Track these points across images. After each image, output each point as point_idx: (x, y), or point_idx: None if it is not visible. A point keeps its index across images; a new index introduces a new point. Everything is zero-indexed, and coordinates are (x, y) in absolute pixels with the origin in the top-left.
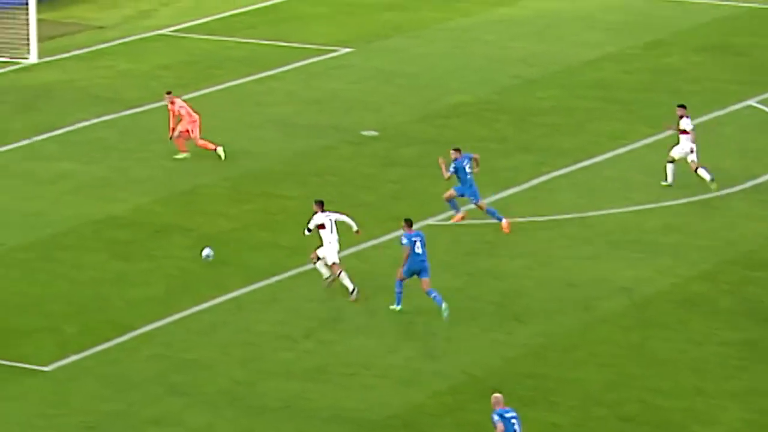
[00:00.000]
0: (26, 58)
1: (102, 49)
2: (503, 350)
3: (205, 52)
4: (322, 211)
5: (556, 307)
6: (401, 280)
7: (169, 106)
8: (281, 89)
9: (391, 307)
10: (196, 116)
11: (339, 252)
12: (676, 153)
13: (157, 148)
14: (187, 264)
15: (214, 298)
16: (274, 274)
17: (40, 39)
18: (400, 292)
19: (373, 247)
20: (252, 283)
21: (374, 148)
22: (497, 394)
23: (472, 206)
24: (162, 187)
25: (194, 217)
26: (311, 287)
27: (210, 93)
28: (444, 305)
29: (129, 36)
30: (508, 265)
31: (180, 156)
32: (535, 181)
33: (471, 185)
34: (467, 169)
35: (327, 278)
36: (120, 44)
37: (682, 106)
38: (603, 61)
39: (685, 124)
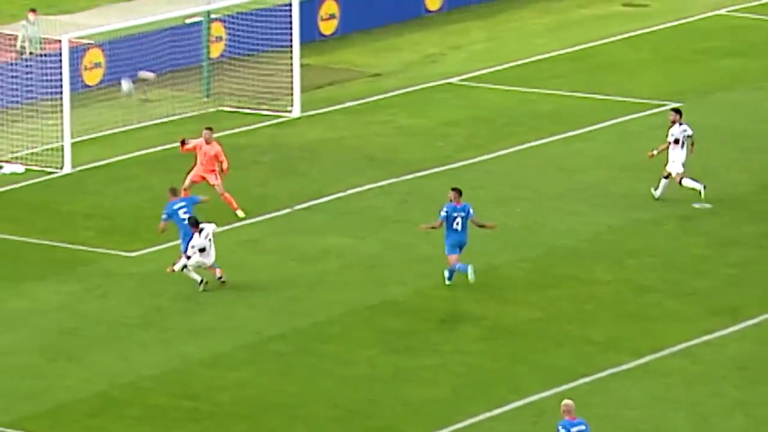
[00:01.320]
0: (288, 111)
1: (378, 100)
2: None
3: (501, 105)
4: (198, 230)
5: None
6: (452, 268)
7: (204, 144)
8: (592, 151)
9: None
10: (225, 162)
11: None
12: (675, 168)
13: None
14: (479, 360)
15: (509, 402)
16: (582, 375)
17: (305, 88)
18: (452, 272)
19: (706, 343)
20: (556, 385)
21: (708, 224)
22: (568, 401)
23: None
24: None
25: (487, 304)
26: (627, 391)
27: (506, 155)
28: (470, 269)
29: (410, 86)
30: None
31: (240, 214)
32: None
33: (187, 232)
34: (183, 215)
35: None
36: (400, 95)
37: (676, 111)
38: None
39: (677, 131)
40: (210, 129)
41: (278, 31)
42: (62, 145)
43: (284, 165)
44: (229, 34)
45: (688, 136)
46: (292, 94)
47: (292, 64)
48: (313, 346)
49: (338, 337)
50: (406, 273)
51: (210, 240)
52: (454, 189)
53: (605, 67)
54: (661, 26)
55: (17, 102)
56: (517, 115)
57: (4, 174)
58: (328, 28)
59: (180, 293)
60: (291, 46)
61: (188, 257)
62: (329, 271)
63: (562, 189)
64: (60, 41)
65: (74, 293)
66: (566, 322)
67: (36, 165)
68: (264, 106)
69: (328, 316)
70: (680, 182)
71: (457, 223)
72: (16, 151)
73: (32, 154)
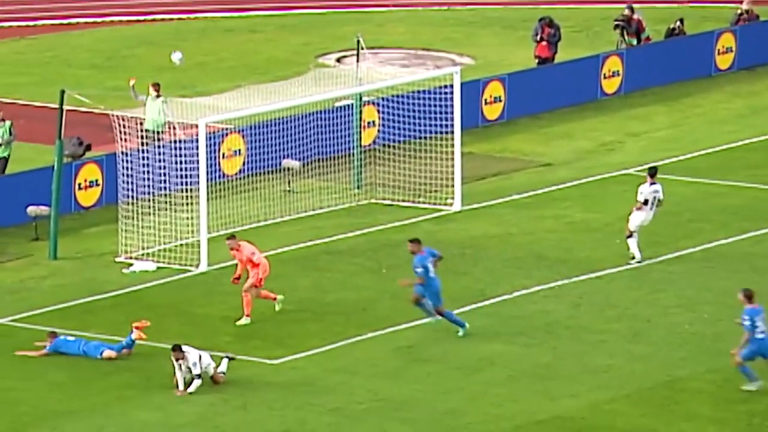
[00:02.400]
0: (448, 204)
1: (548, 193)
2: None
3: (685, 199)
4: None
5: None
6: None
7: (234, 253)
8: None
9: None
10: (265, 263)
11: None
12: (631, 223)
13: (619, 327)
14: None
15: None
16: None
17: (467, 179)
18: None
19: None
20: None
21: None
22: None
23: None
24: (627, 379)
25: (671, 421)
26: None
27: (692, 254)
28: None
29: (586, 177)
30: None
31: (242, 321)
32: None
33: (87, 351)
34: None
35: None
36: (573, 187)
37: (652, 168)
38: None
39: (647, 191)
40: (232, 237)
41: (438, 115)
42: (198, 241)
43: (444, 264)
44: (383, 118)
45: (659, 200)
46: (452, 186)
47: (453, 153)
48: None
49: None
50: (579, 385)
51: (199, 358)
52: (411, 241)
53: None
54: None
55: (148, 193)
56: (704, 210)
57: (134, 272)
58: (492, 112)
59: (326, 404)
60: (452, 132)
61: (198, 376)
62: (493, 381)
63: (755, 292)
64: (196, 126)
65: (211, 404)
66: None
67: (169, 262)
68: (421, 199)
69: None
70: (627, 238)
71: (433, 272)
72: (147, 248)
73: (165, 250)
